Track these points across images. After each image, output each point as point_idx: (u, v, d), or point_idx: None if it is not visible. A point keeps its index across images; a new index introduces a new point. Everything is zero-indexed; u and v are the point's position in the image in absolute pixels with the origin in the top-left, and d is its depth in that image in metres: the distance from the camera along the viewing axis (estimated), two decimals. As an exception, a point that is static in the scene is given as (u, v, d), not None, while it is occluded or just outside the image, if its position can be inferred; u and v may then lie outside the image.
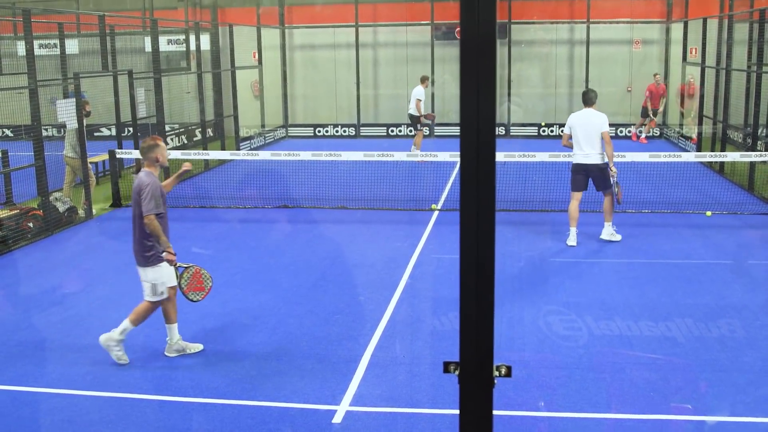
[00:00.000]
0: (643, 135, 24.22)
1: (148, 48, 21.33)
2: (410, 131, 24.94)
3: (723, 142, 18.14)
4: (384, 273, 10.65)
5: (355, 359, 7.70)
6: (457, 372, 2.69)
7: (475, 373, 2.65)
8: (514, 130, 25.21)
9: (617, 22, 24.48)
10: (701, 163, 17.82)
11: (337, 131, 26.44)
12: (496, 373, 2.64)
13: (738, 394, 6.87)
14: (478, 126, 2.41)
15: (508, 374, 2.66)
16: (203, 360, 7.79)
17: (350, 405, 6.76)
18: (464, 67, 2.35)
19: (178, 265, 8.09)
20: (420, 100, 20.14)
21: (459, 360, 2.68)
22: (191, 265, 8.24)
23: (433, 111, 23.96)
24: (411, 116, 20.60)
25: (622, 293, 9.63)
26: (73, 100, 14.96)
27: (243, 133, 23.25)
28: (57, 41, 21.18)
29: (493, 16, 2.30)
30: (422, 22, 25.44)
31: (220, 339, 8.37)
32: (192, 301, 8.12)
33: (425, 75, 21.64)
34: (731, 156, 15.18)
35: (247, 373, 7.43)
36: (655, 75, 23.56)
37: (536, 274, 10.54)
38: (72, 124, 14.93)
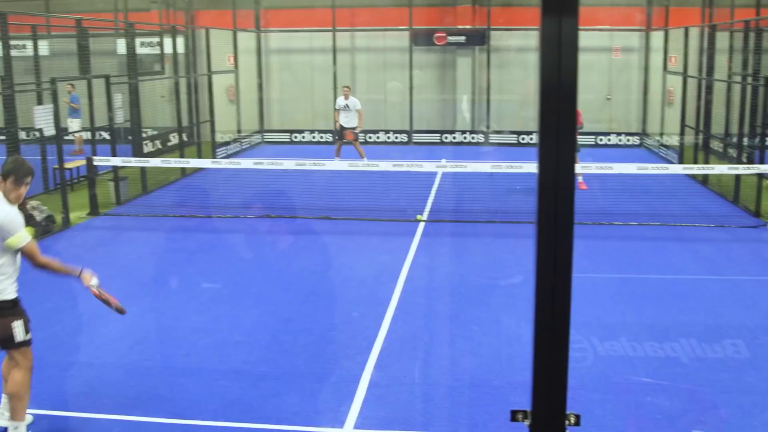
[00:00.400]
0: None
1: (120, 50, 21.04)
2: (394, 138, 24.94)
3: (706, 153, 18.20)
4: (375, 287, 10.48)
5: (355, 379, 7.53)
6: (527, 422, 2.54)
7: (547, 424, 2.50)
8: (493, 138, 25.13)
9: (597, 30, 24.48)
10: (685, 174, 17.83)
11: (313, 137, 26.24)
12: (567, 422, 2.50)
13: (744, 417, 6.78)
14: (558, 171, 2.27)
15: (577, 423, 2.52)
16: (198, 379, 7.58)
17: (354, 428, 6.58)
18: (544, 116, 2.24)
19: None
20: (337, 110, 20.85)
21: (530, 409, 2.52)
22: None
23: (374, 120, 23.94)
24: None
25: (618, 310, 9.54)
26: (51, 107, 14.66)
27: (219, 138, 22.98)
28: (25, 42, 20.87)
29: (575, 63, 2.21)
30: (400, 27, 25.29)
31: (215, 357, 8.17)
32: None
33: (345, 85, 21.79)
34: (719, 168, 15.17)
35: (245, 394, 7.23)
36: None
37: (530, 288, 10.41)
38: (49, 130, 14.63)
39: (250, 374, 7.69)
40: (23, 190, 6.31)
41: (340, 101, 20.80)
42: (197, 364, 7.97)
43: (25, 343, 6.35)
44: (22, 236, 6.17)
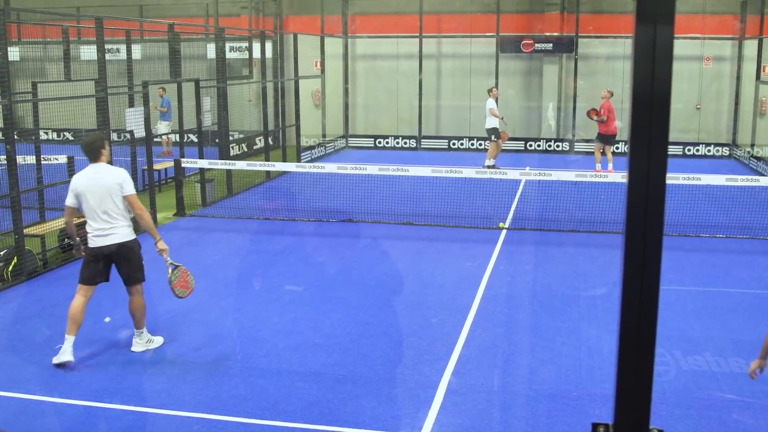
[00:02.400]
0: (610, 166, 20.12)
1: (210, 55, 21.44)
2: (478, 144, 24.96)
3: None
4: (456, 294, 10.45)
5: (433, 385, 7.51)
6: (609, 435, 2.48)
7: (630, 438, 2.44)
8: (579, 146, 24.82)
9: (688, 38, 23.99)
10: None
11: (397, 143, 26.31)
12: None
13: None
14: (648, 184, 2.23)
15: (662, 438, 2.46)
16: (277, 380, 7.66)
17: (431, 435, 6.58)
18: (635, 126, 2.20)
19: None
20: (493, 109, 20.76)
21: (612, 422, 2.48)
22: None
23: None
24: (488, 129, 21.08)
25: (703, 324, 9.32)
26: (142, 109, 15.02)
27: (304, 142, 23.23)
28: (117, 46, 21.43)
29: (669, 72, 2.16)
30: (487, 34, 25.20)
31: (294, 359, 8.24)
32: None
33: (491, 86, 21.77)
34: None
35: (323, 396, 7.28)
36: (605, 91, 20.43)
37: (612, 300, 10.28)
38: (140, 132, 14.99)
39: (329, 377, 7.74)
40: None
41: (493, 102, 20.89)
42: (277, 365, 8.06)
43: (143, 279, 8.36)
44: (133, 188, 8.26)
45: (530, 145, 25.30)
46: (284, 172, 19.33)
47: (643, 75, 2.22)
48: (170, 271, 8.46)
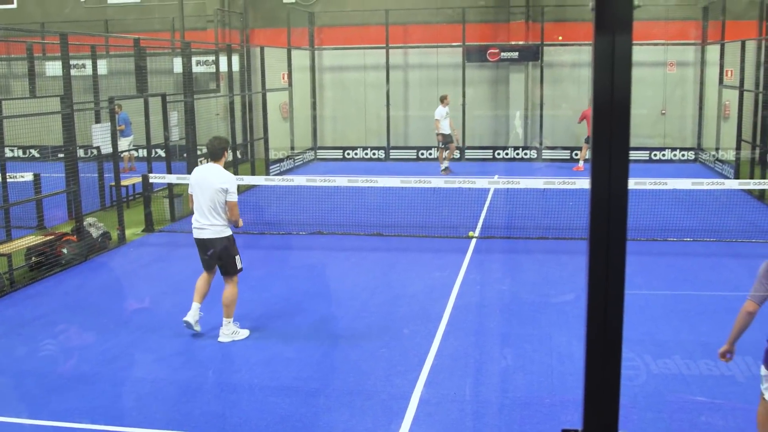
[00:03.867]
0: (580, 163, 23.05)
1: (176, 69, 21.36)
2: (422, 155, 25.04)
3: (762, 167, 17.88)
4: (426, 304, 10.46)
5: (405, 396, 7.51)
6: (578, 441, 2.49)
7: (599, 443, 2.46)
8: (546, 154, 24.98)
9: (651, 44, 24.25)
10: (742, 189, 17.54)
11: (366, 154, 26.33)
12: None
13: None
14: (610, 190, 2.25)
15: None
16: (249, 395, 7.62)
17: (405, 447, 6.57)
18: (596, 133, 2.21)
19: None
20: (438, 120, 21.51)
21: (582, 428, 2.49)
22: None
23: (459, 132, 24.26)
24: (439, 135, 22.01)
25: (672, 327, 9.40)
26: (108, 125, 14.93)
27: (272, 155, 23.18)
28: (83, 61, 21.30)
29: (628, 80, 2.18)
30: (453, 43, 25.31)
31: (266, 373, 8.20)
32: None
33: (444, 94, 22.26)
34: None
35: (296, 411, 7.24)
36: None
37: (582, 306, 10.33)
38: (107, 148, 14.90)
39: (301, 391, 7.71)
40: None
41: (443, 110, 21.19)
42: (249, 380, 8.02)
43: (240, 271, 9.28)
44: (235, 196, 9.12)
45: (498, 154, 25.42)
46: (253, 186, 19.27)
47: (602, 83, 2.24)
48: None
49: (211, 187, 8.96)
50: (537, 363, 8.32)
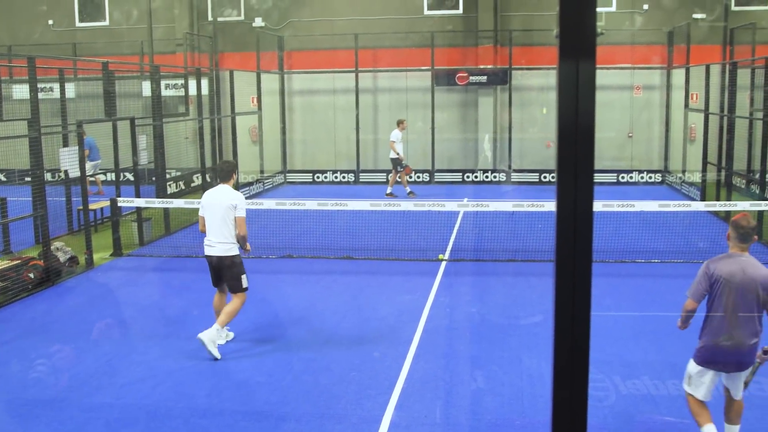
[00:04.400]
0: None
1: (145, 92, 21.29)
2: (416, 177, 25.09)
3: (728, 189, 18.12)
4: (397, 327, 10.47)
5: (376, 420, 7.50)
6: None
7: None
8: (515, 177, 25.15)
9: (618, 68, 24.54)
10: (708, 211, 17.75)
11: (336, 177, 26.34)
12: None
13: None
14: (576, 213, 2.28)
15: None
16: (220, 420, 7.58)
17: (375, 470, 6.55)
18: (562, 157, 2.25)
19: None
20: (393, 142, 21.56)
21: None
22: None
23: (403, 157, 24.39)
24: (392, 159, 22.07)
25: (640, 348, 9.47)
26: (76, 149, 14.84)
27: (242, 179, 23.12)
28: (51, 85, 21.17)
29: (592, 105, 2.22)
30: (422, 67, 25.46)
31: (237, 398, 8.16)
32: None
33: (401, 118, 22.29)
34: (741, 205, 15.11)
35: (266, 436, 7.22)
36: None
37: (549, 327, 10.36)
38: (74, 172, 14.80)
39: (272, 415, 7.68)
40: None
41: (399, 134, 21.24)
42: (219, 404, 7.98)
43: (246, 290, 9.59)
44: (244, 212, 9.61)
45: (467, 177, 25.55)
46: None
47: (567, 108, 2.28)
48: None
49: (222, 204, 9.51)
50: (507, 385, 8.34)
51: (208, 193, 9.85)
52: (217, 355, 9.16)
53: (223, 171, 9.88)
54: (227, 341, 9.69)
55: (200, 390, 8.35)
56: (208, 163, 20.96)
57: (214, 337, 9.24)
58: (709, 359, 6.45)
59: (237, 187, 11.54)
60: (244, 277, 9.61)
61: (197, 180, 21.06)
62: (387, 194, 21.86)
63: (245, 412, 7.76)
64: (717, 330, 6.38)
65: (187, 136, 23.05)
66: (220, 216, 9.50)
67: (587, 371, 2.45)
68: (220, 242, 9.54)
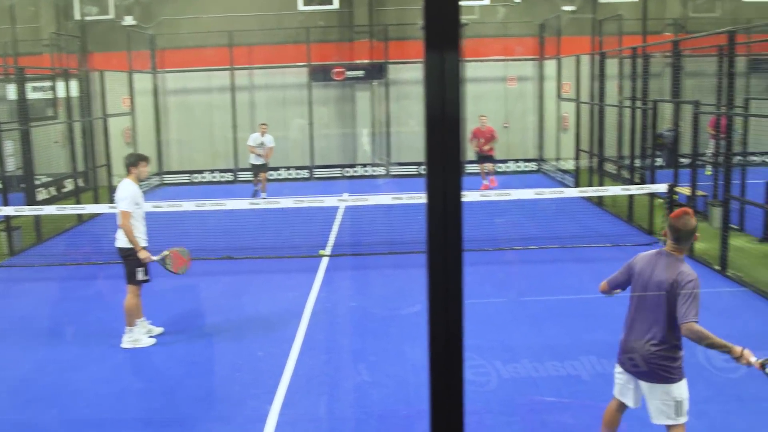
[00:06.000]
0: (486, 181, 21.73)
1: (10, 96, 20.51)
2: (296, 174, 24.99)
3: (600, 175, 18.71)
4: (280, 325, 10.40)
5: (262, 419, 7.43)
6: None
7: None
8: (394, 170, 25.35)
9: (491, 60, 25.04)
10: (581, 197, 18.29)
11: (214, 177, 26.00)
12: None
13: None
14: (445, 203, 2.30)
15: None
16: (99, 431, 7.36)
17: (263, 470, 6.49)
18: (430, 148, 2.26)
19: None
20: (252, 146, 20.82)
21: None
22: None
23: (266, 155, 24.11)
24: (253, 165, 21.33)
25: (520, 333, 9.68)
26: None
27: (116, 182, 22.51)
28: None
29: (458, 95, 2.24)
30: (299, 63, 25.36)
31: (117, 407, 7.95)
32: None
33: (262, 122, 21.77)
34: (613, 189, 15.64)
35: (149, 443, 7.06)
36: (480, 117, 21.68)
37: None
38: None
39: (155, 422, 7.53)
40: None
41: (257, 137, 20.64)
42: (98, 414, 7.75)
43: (139, 283, 9.70)
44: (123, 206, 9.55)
45: (346, 171, 25.61)
46: (97, 214, 18.65)
47: (434, 99, 2.28)
48: (163, 264, 9.99)
49: (116, 198, 9.74)
50: (391, 376, 8.40)
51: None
52: (151, 342, 9.72)
53: (125, 163, 10.03)
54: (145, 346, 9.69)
55: (78, 401, 8.09)
56: (80, 168, 20.36)
57: (134, 336, 9.62)
58: (618, 353, 6.14)
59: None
60: (140, 270, 9.69)
61: (69, 185, 20.42)
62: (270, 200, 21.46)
63: (127, 421, 7.58)
64: (626, 325, 6.07)
65: (57, 140, 22.31)
66: (117, 209, 9.71)
67: (462, 358, 2.47)
68: (117, 234, 9.73)
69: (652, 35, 23.29)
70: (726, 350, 5.45)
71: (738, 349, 5.42)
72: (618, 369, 6.13)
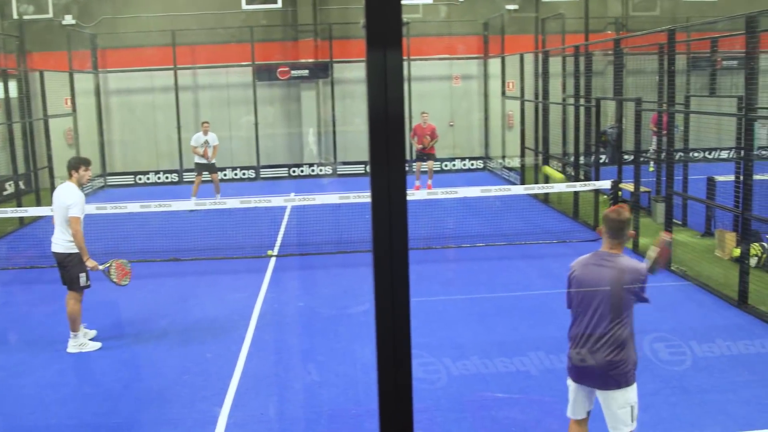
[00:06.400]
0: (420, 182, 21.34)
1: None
2: (242, 174, 24.83)
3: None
4: (228, 326, 10.33)
5: (212, 421, 7.38)
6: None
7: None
8: (341, 169, 25.35)
9: (436, 59, 25.17)
10: (527, 194, 18.44)
11: (159, 178, 25.72)
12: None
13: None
14: (390, 198, 2.31)
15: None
16: (45, 437, 7.26)
17: (213, 473, 6.45)
18: (374, 146, 2.27)
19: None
20: (195, 147, 20.11)
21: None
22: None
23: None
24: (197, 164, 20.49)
25: (469, 330, 9.74)
26: None
27: (56, 184, 22.18)
28: None
29: (400, 93, 2.24)
30: (243, 63, 25.20)
31: (63, 412, 7.83)
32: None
33: (204, 121, 21.11)
34: (558, 187, 15.81)
35: (97, 448, 6.97)
36: (422, 114, 20.99)
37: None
38: None
39: (103, 427, 7.42)
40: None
41: (200, 137, 20.19)
42: (44, 421, 7.63)
43: (82, 287, 9.60)
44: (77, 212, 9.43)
45: (293, 171, 25.54)
46: (39, 217, 18.33)
47: (377, 98, 2.29)
48: (108, 275, 9.90)
49: (60, 202, 9.51)
50: (341, 375, 8.40)
51: (56, 190, 9.88)
52: (97, 345, 9.68)
53: (67, 167, 9.86)
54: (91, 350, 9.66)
55: (23, 407, 7.95)
56: (21, 170, 20.01)
57: (80, 341, 9.63)
58: (569, 367, 5.92)
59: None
60: (82, 276, 9.58)
61: (10, 188, 20.05)
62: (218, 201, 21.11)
63: (74, 426, 7.47)
64: (572, 335, 5.84)
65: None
66: (60, 213, 9.53)
67: (410, 356, 2.49)
68: (57, 239, 9.55)
69: (594, 33, 23.61)
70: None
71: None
72: (571, 384, 5.98)
